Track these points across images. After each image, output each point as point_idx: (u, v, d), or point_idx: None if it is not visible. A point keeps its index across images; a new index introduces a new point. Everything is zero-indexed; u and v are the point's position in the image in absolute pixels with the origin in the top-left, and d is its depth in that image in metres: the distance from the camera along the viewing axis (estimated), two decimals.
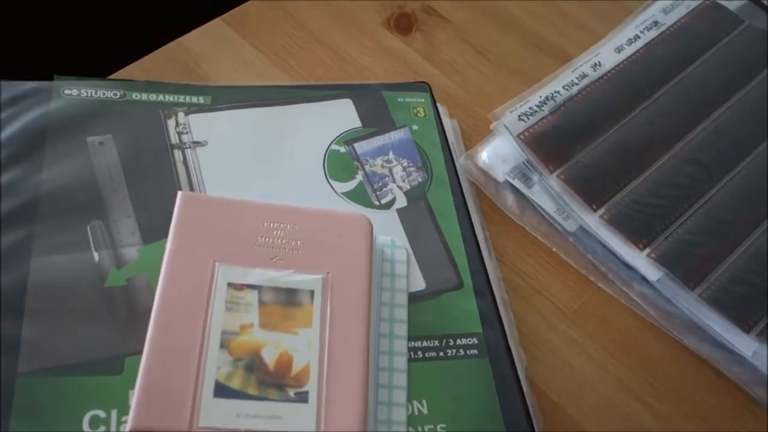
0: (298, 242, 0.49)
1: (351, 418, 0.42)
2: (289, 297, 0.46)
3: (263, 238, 0.49)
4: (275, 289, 0.46)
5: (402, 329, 0.50)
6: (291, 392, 0.43)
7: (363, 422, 0.42)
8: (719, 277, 0.56)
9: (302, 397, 0.42)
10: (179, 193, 0.49)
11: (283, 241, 0.49)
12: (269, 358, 0.44)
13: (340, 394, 0.43)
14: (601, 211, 0.59)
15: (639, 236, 0.57)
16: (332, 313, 0.46)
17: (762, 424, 0.51)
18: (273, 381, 0.43)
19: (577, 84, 0.66)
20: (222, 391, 0.42)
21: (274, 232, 0.49)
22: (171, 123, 0.57)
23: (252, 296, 0.46)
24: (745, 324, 0.53)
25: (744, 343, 0.53)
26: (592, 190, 0.59)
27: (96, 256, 0.50)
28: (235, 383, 0.42)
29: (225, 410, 0.41)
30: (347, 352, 0.45)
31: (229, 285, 0.46)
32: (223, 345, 0.44)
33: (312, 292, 0.46)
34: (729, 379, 0.53)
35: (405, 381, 0.48)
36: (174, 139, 0.57)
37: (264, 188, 0.56)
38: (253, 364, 0.43)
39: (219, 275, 0.46)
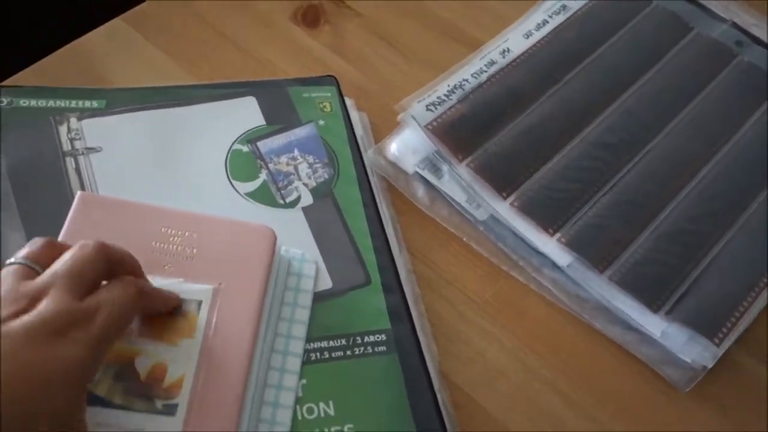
0: (194, 250, 0.47)
1: None
2: (176, 306, 0.45)
3: (158, 244, 0.47)
4: None
5: (301, 330, 0.49)
6: (159, 404, 0.41)
7: None
8: (628, 258, 0.56)
9: (170, 410, 0.41)
10: (78, 193, 0.48)
11: (179, 248, 0.47)
12: (142, 367, 0.42)
13: (212, 411, 0.42)
14: (512, 198, 0.58)
15: (549, 222, 0.57)
16: (218, 326, 0.45)
17: (674, 404, 0.51)
18: (142, 391, 0.42)
19: (485, 71, 0.65)
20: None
21: (171, 239, 0.48)
22: (63, 129, 0.55)
23: None
24: (653, 304, 0.53)
25: (653, 324, 0.53)
26: (501, 178, 0.59)
27: None
28: (101, 390, 0.41)
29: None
30: (227, 368, 0.43)
31: None
32: None
33: (200, 303, 0.45)
34: (640, 360, 0.53)
35: (295, 383, 0.47)
36: (66, 146, 0.55)
37: (163, 193, 0.54)
38: (123, 372, 0.42)
39: None
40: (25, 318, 0.34)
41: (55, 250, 0.39)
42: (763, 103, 0.66)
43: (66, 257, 0.38)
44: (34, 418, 0.33)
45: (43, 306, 0.35)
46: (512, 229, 0.57)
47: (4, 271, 0.38)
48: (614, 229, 0.57)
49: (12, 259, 0.38)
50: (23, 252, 0.39)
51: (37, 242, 0.40)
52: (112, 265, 0.40)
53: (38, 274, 0.38)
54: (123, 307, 0.38)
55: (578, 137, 0.62)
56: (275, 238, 0.49)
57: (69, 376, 0.35)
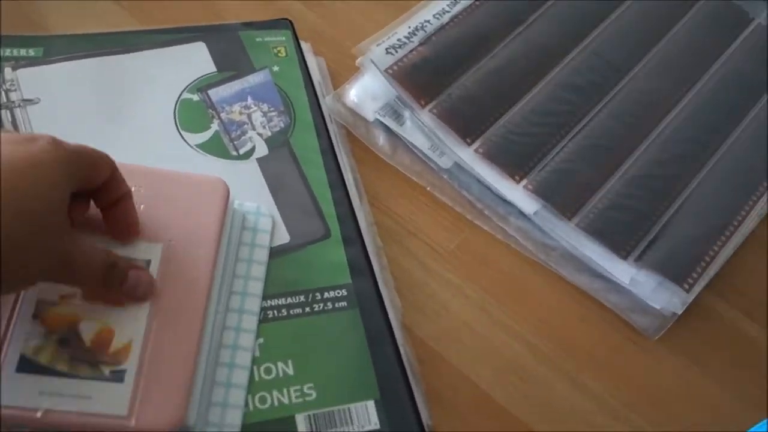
0: (141, 206, 0.45)
1: (170, 405, 0.39)
2: None
3: None
4: None
5: (257, 287, 0.47)
6: (106, 370, 0.39)
7: (182, 409, 0.39)
8: (596, 204, 0.54)
9: (117, 377, 0.39)
10: None
11: None
12: (87, 332, 0.40)
13: (163, 376, 0.40)
14: (476, 144, 0.56)
15: (515, 168, 0.55)
16: (168, 285, 0.42)
17: (644, 352, 0.50)
18: (87, 357, 0.40)
19: (448, 11, 0.62)
20: (27, 365, 0.39)
21: None
22: None
23: None
24: (622, 250, 0.52)
25: (621, 271, 0.51)
26: (466, 124, 0.57)
27: None
28: (44, 358, 0.39)
29: (26, 387, 0.38)
30: (179, 330, 0.41)
31: None
32: (37, 315, 0.40)
33: (149, 262, 0.43)
34: (609, 309, 0.51)
35: (252, 342, 0.45)
36: (1, 97, 0.51)
37: (107, 147, 0.50)
38: (67, 338, 0.40)
39: None
40: None
41: None
42: (734, 40, 0.64)
43: None
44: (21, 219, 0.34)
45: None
46: (477, 177, 0.55)
47: None
48: (582, 174, 0.55)
49: None
50: None
51: None
52: None
53: None
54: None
55: (545, 80, 0.60)
56: (228, 191, 0.47)
57: (47, 170, 0.36)
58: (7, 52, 0.53)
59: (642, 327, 0.50)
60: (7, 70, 0.52)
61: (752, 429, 0.44)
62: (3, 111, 0.50)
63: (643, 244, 0.52)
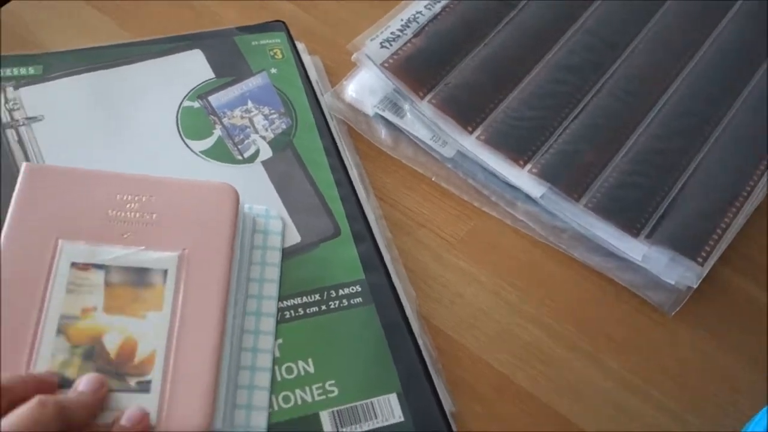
0: (154, 216, 0.45)
1: (196, 411, 0.39)
2: (140, 277, 0.43)
3: (114, 212, 0.45)
4: (124, 269, 0.43)
5: (272, 289, 0.47)
6: (132, 382, 0.40)
7: (209, 415, 0.39)
8: (603, 183, 0.54)
9: (144, 387, 0.40)
10: (23, 165, 0.45)
11: (137, 215, 0.45)
12: (111, 344, 0.40)
13: (187, 384, 0.40)
14: (478, 132, 0.56)
15: (519, 153, 0.55)
16: (186, 294, 0.42)
17: (661, 328, 0.50)
18: (113, 370, 0.40)
19: (439, 1, 0.62)
20: None
21: (128, 206, 0.45)
22: None
23: (98, 277, 0.42)
24: (633, 228, 0.52)
25: (633, 248, 0.51)
26: (466, 112, 0.57)
27: None
28: (71, 372, 0.39)
29: None
30: (199, 337, 0.41)
31: (73, 265, 0.42)
32: (61, 330, 0.40)
33: (165, 272, 0.43)
34: (623, 287, 0.51)
35: (271, 344, 0.45)
36: (5, 117, 0.51)
37: (113, 159, 0.51)
38: (92, 351, 0.40)
39: (61, 254, 0.42)
40: None
41: None
42: (729, 9, 0.64)
43: None
44: None
45: None
46: (481, 164, 0.55)
47: None
48: (586, 154, 0.55)
49: None
50: None
51: None
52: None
53: None
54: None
55: (541, 62, 0.60)
56: (237, 196, 0.47)
57: None
58: (8, 71, 0.53)
59: (658, 303, 0.50)
60: (9, 90, 0.52)
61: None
62: (9, 131, 0.51)
63: (653, 221, 0.53)
